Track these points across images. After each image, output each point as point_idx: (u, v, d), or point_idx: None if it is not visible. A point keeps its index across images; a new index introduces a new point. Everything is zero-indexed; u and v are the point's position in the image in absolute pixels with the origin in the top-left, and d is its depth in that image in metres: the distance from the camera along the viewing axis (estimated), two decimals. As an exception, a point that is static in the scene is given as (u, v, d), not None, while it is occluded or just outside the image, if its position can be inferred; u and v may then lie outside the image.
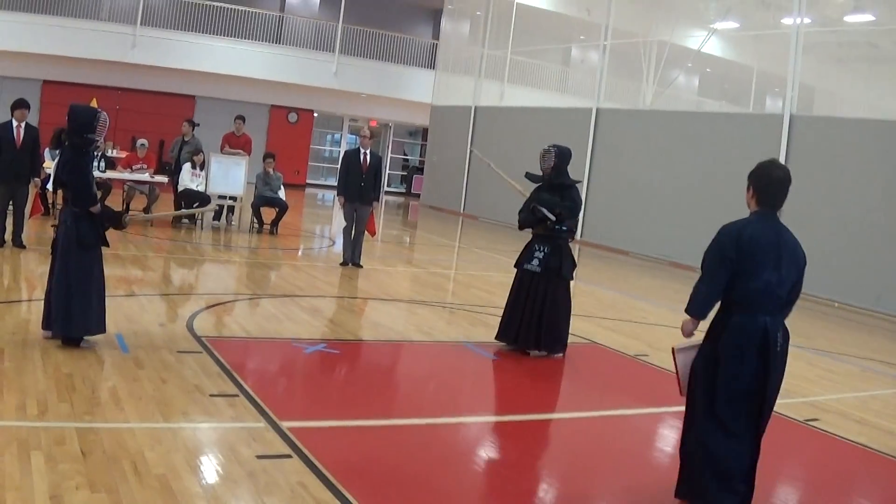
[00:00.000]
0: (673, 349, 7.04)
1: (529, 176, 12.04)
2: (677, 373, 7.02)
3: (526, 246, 11.94)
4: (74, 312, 9.41)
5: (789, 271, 6.81)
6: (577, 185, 12.05)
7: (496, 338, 11.97)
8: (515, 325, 11.72)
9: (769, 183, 7.07)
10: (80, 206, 9.51)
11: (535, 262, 11.61)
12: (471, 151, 12.11)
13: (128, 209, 11.21)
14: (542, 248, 11.63)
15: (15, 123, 15.34)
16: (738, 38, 34.27)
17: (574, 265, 11.91)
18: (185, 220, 21.95)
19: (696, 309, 6.95)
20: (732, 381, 6.69)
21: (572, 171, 12.01)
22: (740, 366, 6.67)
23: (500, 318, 12.04)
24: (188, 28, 37.22)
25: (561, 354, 11.70)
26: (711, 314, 7.01)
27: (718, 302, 6.92)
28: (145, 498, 5.96)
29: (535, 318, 11.54)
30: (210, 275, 16.64)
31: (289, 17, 41.20)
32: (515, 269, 11.95)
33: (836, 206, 20.82)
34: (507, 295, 12.03)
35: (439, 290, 17.17)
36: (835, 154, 21.12)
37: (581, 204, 12.06)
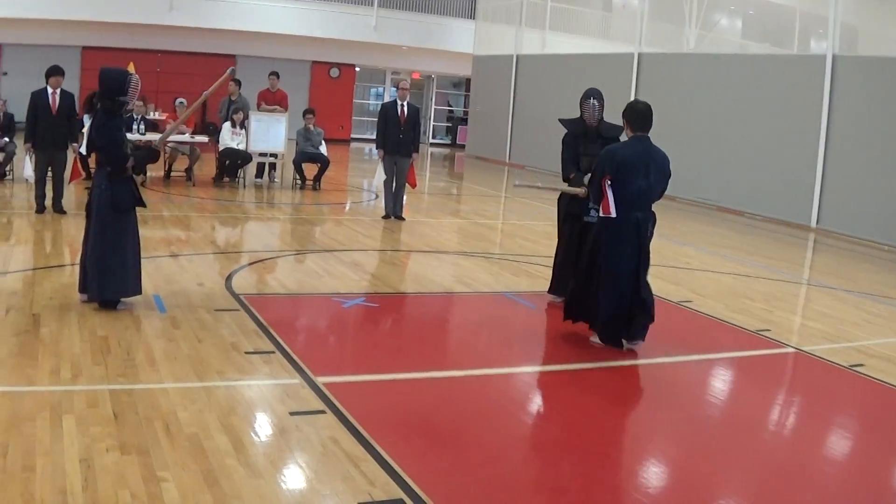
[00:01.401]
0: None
1: (564, 121, 11.76)
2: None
3: (571, 198, 11.40)
4: (110, 275, 9.43)
5: (657, 179, 9.50)
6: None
7: (548, 291, 11.85)
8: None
9: (634, 114, 9.52)
10: (112, 167, 9.49)
11: (593, 212, 11.36)
12: (516, 185, 11.98)
13: (149, 154, 11.14)
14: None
15: (50, 90, 15.38)
16: (778, -22, 33.87)
17: None
18: (227, 179, 21.94)
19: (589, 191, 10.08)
20: (614, 258, 9.42)
21: (614, 117, 11.70)
22: (620, 247, 9.40)
23: (549, 270, 11.92)
24: (225, -12, 37.12)
25: None
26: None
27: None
28: (175, 458, 5.95)
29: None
30: (251, 233, 16.63)
31: (327, -28, 41.02)
32: (564, 220, 11.69)
33: (880, 145, 20.48)
34: (557, 246, 11.83)
35: (483, 240, 17.05)
36: (879, 93, 20.74)
37: None
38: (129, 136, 10.38)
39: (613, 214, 9.37)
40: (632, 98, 27.40)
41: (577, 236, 11.28)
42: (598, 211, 11.22)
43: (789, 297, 13.73)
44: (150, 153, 10.35)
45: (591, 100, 11.25)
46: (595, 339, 9.75)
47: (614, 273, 9.42)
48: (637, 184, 9.31)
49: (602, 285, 9.48)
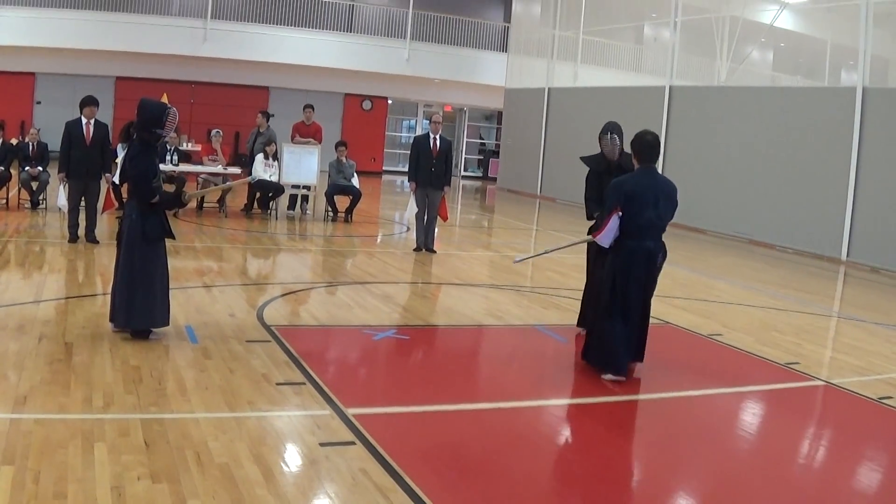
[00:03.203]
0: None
1: (585, 159, 11.77)
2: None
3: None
4: (138, 305, 9.49)
5: (665, 209, 9.70)
6: None
7: (577, 325, 11.86)
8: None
9: (644, 146, 9.72)
10: (138, 200, 9.57)
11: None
12: (515, 262, 11.91)
13: (183, 183, 11.59)
14: None
15: (84, 120, 15.54)
16: (810, 10, 33.66)
17: None
18: (259, 210, 22.11)
19: (600, 217, 10.27)
20: (626, 286, 9.59)
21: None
22: (631, 275, 9.58)
23: (579, 304, 11.97)
24: (259, 20, 37.43)
25: None
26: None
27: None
28: (206, 487, 5.98)
29: None
30: (283, 264, 16.69)
31: (359, 5, 41.27)
32: (596, 257, 11.71)
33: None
34: (586, 281, 11.82)
35: (513, 273, 17.01)
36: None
37: None
38: (161, 166, 10.42)
39: (605, 244, 9.74)
40: (664, 130, 27.53)
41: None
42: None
43: (819, 330, 13.68)
44: (175, 201, 10.40)
45: (609, 135, 11.21)
46: (608, 375, 9.67)
47: (625, 300, 9.61)
48: (647, 214, 9.51)
49: (613, 313, 9.65)
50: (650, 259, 9.67)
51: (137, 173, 9.54)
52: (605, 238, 9.63)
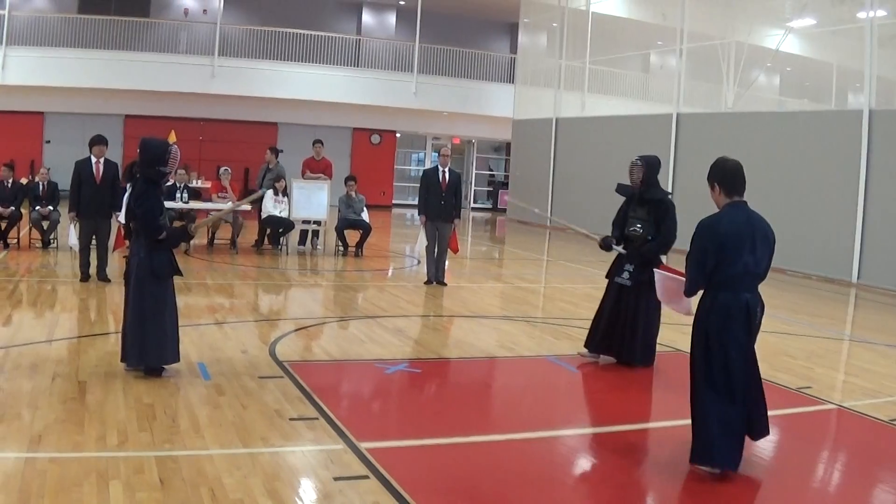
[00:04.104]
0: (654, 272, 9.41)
1: (620, 188, 11.85)
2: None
3: (616, 258, 11.83)
4: (150, 343, 9.53)
5: (763, 252, 7.87)
6: (670, 196, 11.78)
7: (584, 345, 11.92)
8: (601, 335, 11.65)
9: (727, 175, 8.19)
10: (146, 237, 9.60)
11: (626, 275, 11.45)
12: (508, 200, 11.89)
13: (193, 220, 11.91)
14: (632, 262, 11.49)
15: (94, 159, 15.62)
16: (815, 34, 33.63)
17: None
18: (270, 246, 22.15)
19: (691, 293, 8.04)
20: (725, 353, 7.62)
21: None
22: (729, 339, 7.62)
23: (587, 329, 12.01)
24: (266, 56, 37.64)
25: (651, 365, 11.56)
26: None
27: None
28: (221, 524, 6.00)
29: (629, 330, 11.41)
30: (294, 300, 16.73)
31: (366, 40, 41.50)
32: (607, 280, 11.84)
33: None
34: (598, 305, 11.94)
35: (524, 304, 17.06)
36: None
37: (675, 225, 11.63)
38: (171, 203, 10.46)
39: (685, 295, 8.19)
40: (671, 158, 27.57)
41: (617, 297, 11.46)
42: (631, 275, 11.38)
43: (831, 354, 13.67)
44: (182, 235, 10.46)
45: (633, 161, 11.42)
46: (707, 468, 7.75)
47: (726, 371, 7.65)
48: (743, 260, 7.72)
49: (711, 387, 7.71)
50: (749, 316, 7.74)
51: (144, 211, 9.58)
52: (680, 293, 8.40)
